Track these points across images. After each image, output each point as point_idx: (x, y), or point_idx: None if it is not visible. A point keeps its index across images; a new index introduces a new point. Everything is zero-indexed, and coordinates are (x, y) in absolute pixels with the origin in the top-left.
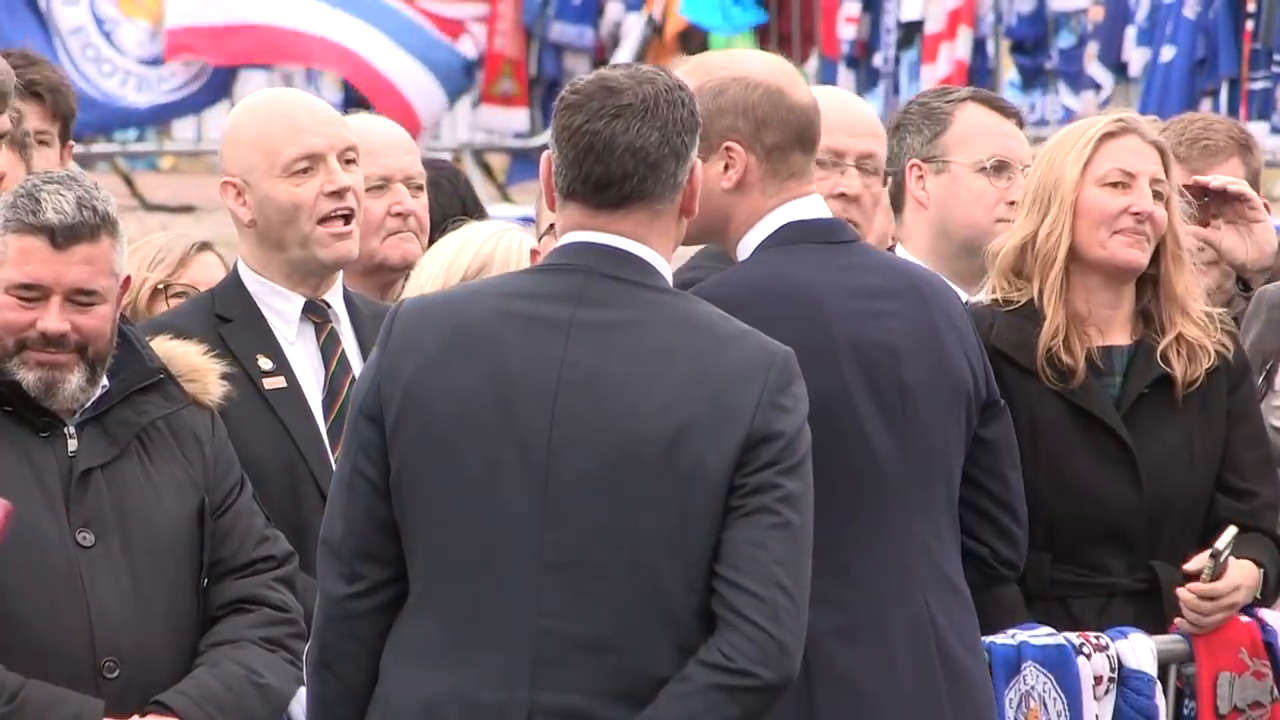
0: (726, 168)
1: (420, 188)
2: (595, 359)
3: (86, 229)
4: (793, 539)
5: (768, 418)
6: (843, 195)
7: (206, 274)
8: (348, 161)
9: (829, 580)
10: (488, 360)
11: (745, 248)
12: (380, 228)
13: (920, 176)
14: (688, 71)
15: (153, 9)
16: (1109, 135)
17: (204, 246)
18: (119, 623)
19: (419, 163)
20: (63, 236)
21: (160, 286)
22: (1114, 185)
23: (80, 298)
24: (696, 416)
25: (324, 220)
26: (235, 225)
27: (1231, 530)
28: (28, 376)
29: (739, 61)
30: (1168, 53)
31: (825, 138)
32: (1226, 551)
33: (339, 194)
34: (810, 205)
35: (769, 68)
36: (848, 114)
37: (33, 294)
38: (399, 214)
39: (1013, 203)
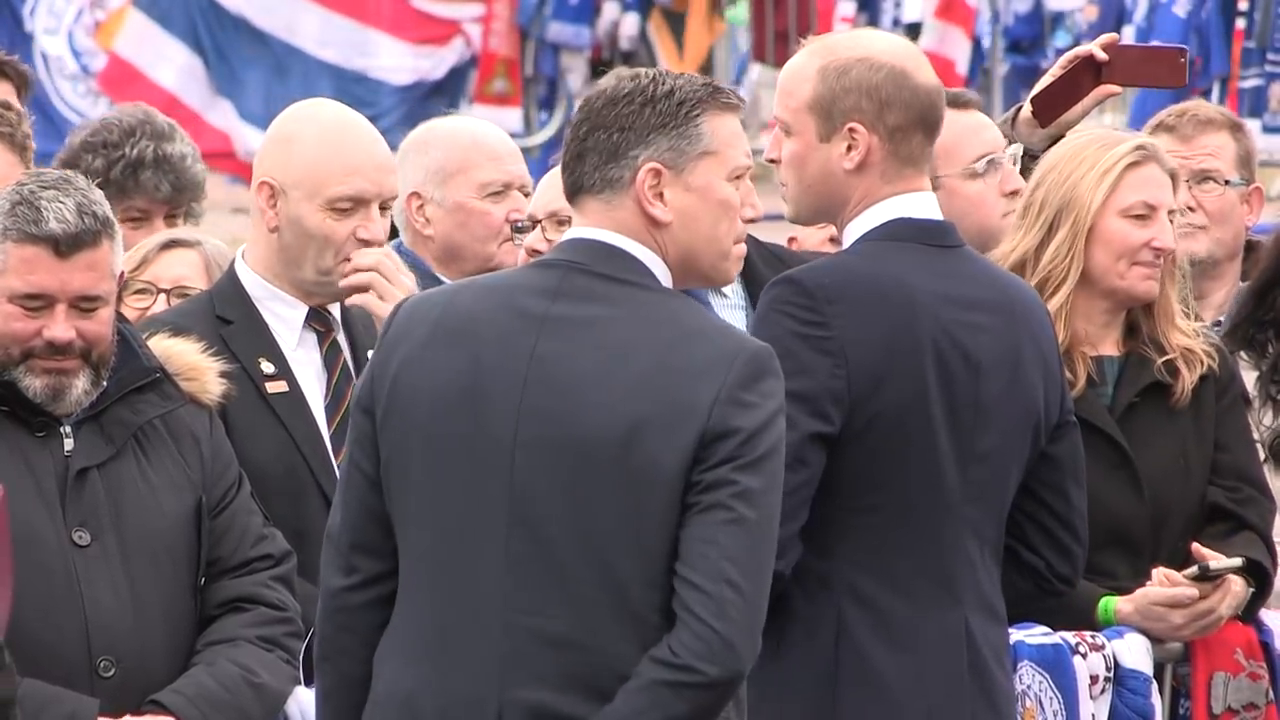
0: (849, 148)
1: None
2: (562, 355)
3: (89, 236)
4: (746, 534)
5: (725, 413)
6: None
7: (169, 271)
8: (384, 208)
9: (871, 580)
10: (467, 353)
11: (851, 233)
12: (499, 233)
13: None
14: (813, 51)
15: None
16: (1134, 165)
17: (172, 244)
18: (114, 622)
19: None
20: (66, 245)
21: (121, 276)
22: (1137, 218)
23: (84, 304)
24: (650, 414)
25: (347, 260)
26: (253, 222)
27: (1235, 561)
28: (34, 384)
29: (864, 42)
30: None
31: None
32: (1219, 573)
33: (368, 243)
34: (922, 203)
35: (893, 49)
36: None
37: (37, 303)
38: (515, 220)
39: (1013, 192)
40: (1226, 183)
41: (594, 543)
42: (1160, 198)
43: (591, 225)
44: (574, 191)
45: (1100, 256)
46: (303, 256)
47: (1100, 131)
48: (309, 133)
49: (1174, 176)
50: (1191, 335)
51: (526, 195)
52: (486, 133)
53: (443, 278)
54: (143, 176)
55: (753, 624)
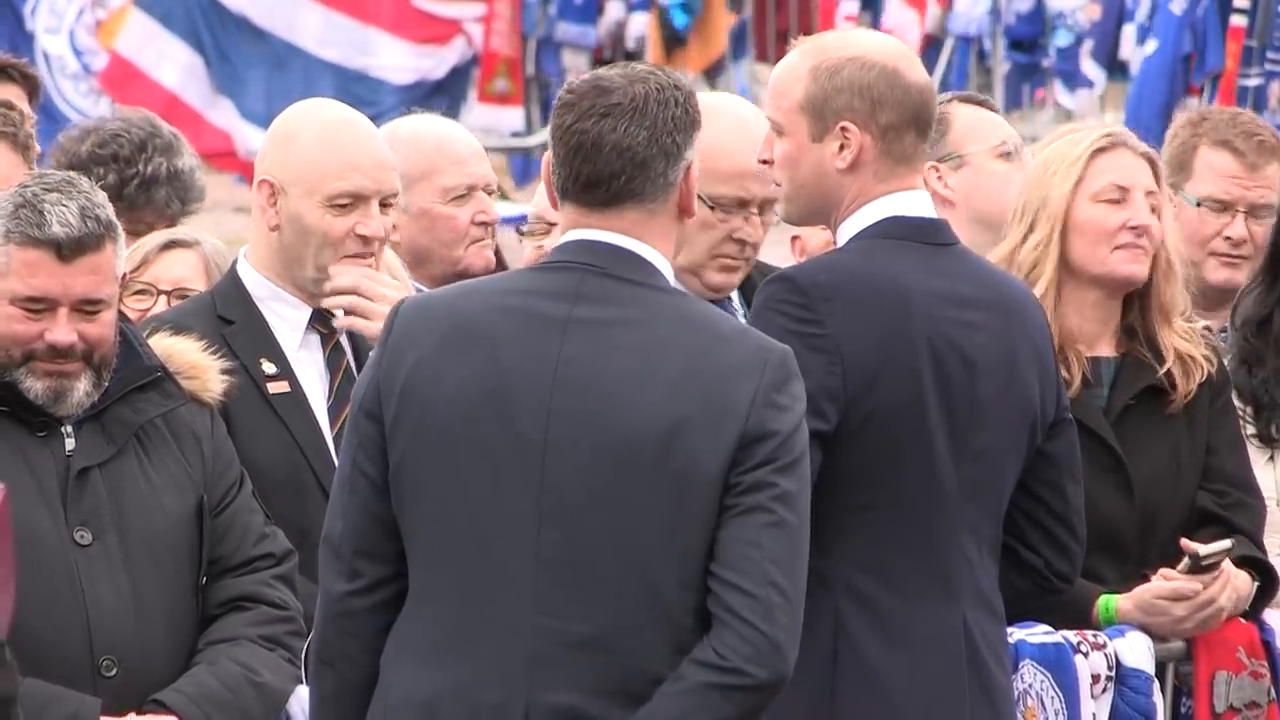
0: (841, 148)
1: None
2: (591, 356)
3: (92, 240)
4: (787, 537)
5: (763, 416)
6: (742, 241)
7: (169, 272)
8: (385, 205)
9: (868, 579)
10: (485, 356)
11: (845, 232)
12: (465, 236)
13: (939, 176)
14: (804, 51)
15: None
16: (1100, 150)
17: (172, 244)
18: (116, 621)
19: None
20: (68, 249)
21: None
22: (1109, 201)
23: (86, 307)
24: (691, 414)
25: (347, 257)
26: (254, 221)
27: (1224, 544)
28: (36, 386)
29: (854, 41)
30: (1150, 47)
31: (736, 185)
32: (1212, 559)
33: (367, 240)
34: (915, 201)
35: (885, 48)
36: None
37: (39, 306)
38: (482, 222)
39: None
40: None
41: (629, 543)
42: (1133, 179)
43: (612, 231)
44: (616, 199)
45: (1080, 245)
46: (303, 254)
47: (1067, 133)
48: (308, 131)
49: (1151, 161)
50: (1189, 337)
51: (490, 194)
52: (448, 135)
53: (416, 285)
54: (156, 195)
55: (796, 626)
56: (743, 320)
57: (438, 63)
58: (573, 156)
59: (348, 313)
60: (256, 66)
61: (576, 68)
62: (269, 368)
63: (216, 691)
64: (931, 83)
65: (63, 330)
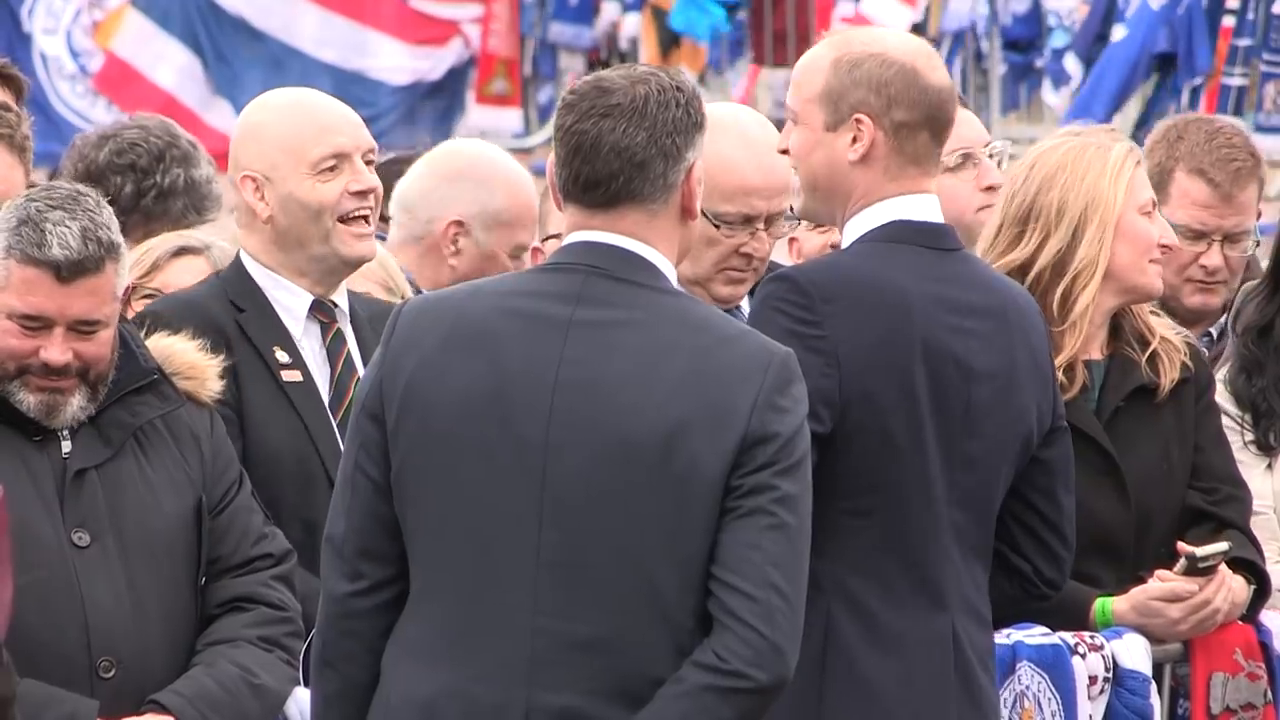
0: (854, 140)
1: None
2: (593, 358)
3: (92, 263)
4: (788, 540)
5: (764, 418)
6: (749, 256)
7: (179, 280)
8: (367, 162)
9: (859, 582)
10: (487, 357)
11: (852, 230)
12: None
13: None
14: (831, 44)
15: None
16: (1137, 163)
17: (182, 251)
18: (114, 622)
19: None
20: (68, 271)
21: (129, 287)
22: (1147, 214)
23: (83, 327)
24: (692, 417)
25: (346, 219)
26: (245, 219)
27: (1220, 546)
28: (29, 399)
29: (880, 38)
30: (1119, 34)
31: (741, 203)
32: (1208, 561)
33: (363, 194)
34: (923, 205)
35: (907, 47)
36: (765, 174)
37: (35, 324)
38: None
39: (990, 188)
40: (1257, 242)
41: (630, 546)
42: (1153, 197)
43: (613, 232)
44: (615, 200)
45: (1125, 253)
46: (306, 232)
47: (1079, 136)
48: (272, 114)
49: None
50: (1165, 327)
51: None
52: (534, 193)
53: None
54: (173, 206)
55: (796, 629)
56: None
57: (435, 64)
58: (572, 157)
59: None
60: (254, 67)
61: (573, 69)
62: (283, 357)
63: (214, 693)
64: (952, 85)
65: (57, 350)
